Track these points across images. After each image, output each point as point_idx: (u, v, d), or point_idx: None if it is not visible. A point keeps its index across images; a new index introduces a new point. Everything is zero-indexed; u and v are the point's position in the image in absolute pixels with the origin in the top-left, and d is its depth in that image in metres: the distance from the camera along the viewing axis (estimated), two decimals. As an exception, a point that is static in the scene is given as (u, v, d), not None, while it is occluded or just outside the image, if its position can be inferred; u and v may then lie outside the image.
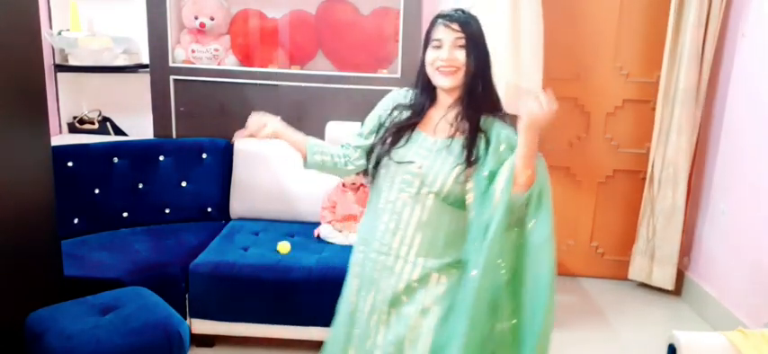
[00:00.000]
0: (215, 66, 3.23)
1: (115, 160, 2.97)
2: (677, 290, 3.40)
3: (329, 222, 2.84)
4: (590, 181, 3.50)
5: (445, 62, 1.54)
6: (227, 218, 3.13)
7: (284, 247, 2.65)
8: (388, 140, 1.61)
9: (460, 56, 1.54)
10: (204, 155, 3.12)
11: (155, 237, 2.85)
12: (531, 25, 3.04)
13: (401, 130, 1.62)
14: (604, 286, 3.52)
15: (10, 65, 1.99)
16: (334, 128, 3.11)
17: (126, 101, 3.41)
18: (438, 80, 1.57)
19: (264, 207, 3.06)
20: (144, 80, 3.24)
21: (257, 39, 3.33)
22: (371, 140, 1.69)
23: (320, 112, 3.17)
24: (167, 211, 3.07)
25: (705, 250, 3.24)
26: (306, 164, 1.73)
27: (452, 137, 1.56)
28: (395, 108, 1.68)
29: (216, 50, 3.25)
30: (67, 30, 3.21)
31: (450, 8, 1.60)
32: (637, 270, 3.44)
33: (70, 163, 2.82)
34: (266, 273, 2.51)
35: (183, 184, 3.09)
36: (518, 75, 2.82)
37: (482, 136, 1.55)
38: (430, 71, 1.58)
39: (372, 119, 1.71)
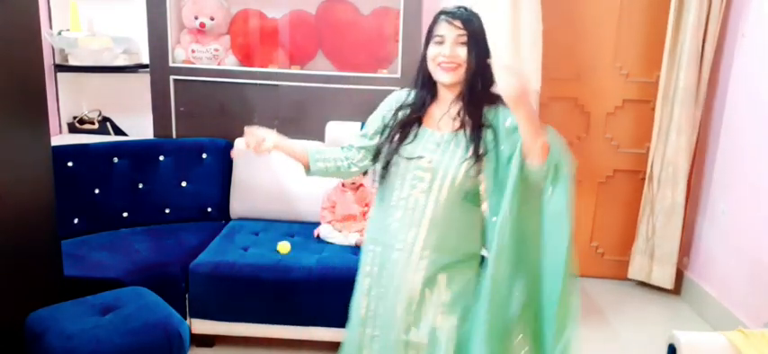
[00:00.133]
0: (215, 66, 3.23)
1: (115, 160, 2.97)
2: (677, 290, 3.40)
3: (329, 222, 2.84)
4: (590, 181, 3.51)
5: (447, 58, 1.56)
6: (227, 218, 3.13)
7: (284, 247, 2.65)
8: (396, 138, 1.63)
9: (462, 52, 1.55)
10: (204, 155, 3.12)
11: (155, 237, 2.85)
12: (531, 25, 3.04)
13: (406, 126, 1.64)
14: (604, 285, 3.52)
15: (10, 65, 1.99)
16: (334, 128, 3.11)
17: (126, 101, 3.41)
18: (439, 75, 1.59)
19: (264, 207, 3.06)
20: (144, 80, 3.24)
21: (257, 39, 3.33)
22: (376, 141, 1.71)
23: (320, 112, 3.17)
24: (167, 211, 3.07)
25: (705, 249, 3.24)
26: (308, 173, 1.75)
27: (457, 131, 1.58)
28: (399, 108, 1.70)
29: (216, 50, 3.25)
30: (67, 30, 3.21)
31: (454, 5, 1.61)
32: (636, 269, 3.44)
33: (70, 163, 2.82)
34: (266, 273, 2.51)
35: (183, 184, 3.09)
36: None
37: (488, 128, 1.56)
38: (431, 66, 1.60)
39: (376, 120, 1.72)
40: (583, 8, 3.30)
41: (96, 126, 3.40)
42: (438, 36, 1.58)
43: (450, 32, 1.56)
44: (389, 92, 3.10)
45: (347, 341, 1.81)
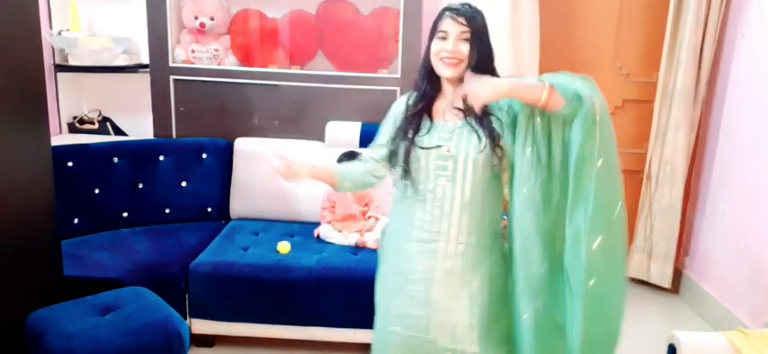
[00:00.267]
0: (215, 66, 3.23)
1: (115, 160, 2.97)
2: (676, 289, 3.40)
3: (329, 222, 2.84)
4: (590, 181, 3.50)
5: (450, 54, 1.59)
6: (227, 218, 3.13)
7: (284, 247, 2.65)
8: (410, 131, 1.65)
9: (464, 48, 1.59)
10: (204, 155, 3.12)
11: (155, 237, 2.85)
12: (530, 26, 3.05)
13: (416, 117, 1.66)
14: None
15: (10, 65, 1.99)
16: (334, 128, 3.11)
17: (126, 101, 3.41)
18: (441, 70, 1.62)
19: (264, 207, 3.06)
20: (144, 80, 3.24)
21: (257, 39, 3.33)
22: (393, 146, 1.73)
23: (320, 112, 3.17)
24: (167, 211, 3.07)
25: (704, 249, 3.24)
26: (336, 190, 1.82)
27: (464, 118, 1.61)
28: (407, 109, 1.72)
29: (216, 50, 3.24)
30: (67, 30, 3.21)
31: (458, 2, 1.64)
32: (634, 267, 3.45)
33: (70, 163, 2.82)
34: (266, 273, 2.51)
35: (183, 184, 3.09)
36: (517, 74, 2.83)
37: (490, 116, 1.61)
38: (434, 61, 1.63)
39: (388, 127, 1.75)
40: (583, 8, 3.30)
41: (96, 126, 3.40)
42: (442, 31, 1.61)
43: (454, 28, 1.59)
44: (389, 92, 3.15)
45: (376, 341, 1.81)
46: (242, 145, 3.12)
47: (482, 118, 1.59)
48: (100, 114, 3.42)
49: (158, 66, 3.16)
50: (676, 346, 1.90)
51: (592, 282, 1.49)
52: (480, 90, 1.48)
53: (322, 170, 1.76)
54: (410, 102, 1.71)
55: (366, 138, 3.05)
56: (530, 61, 3.06)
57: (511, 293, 1.65)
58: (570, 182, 1.51)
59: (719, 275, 3.08)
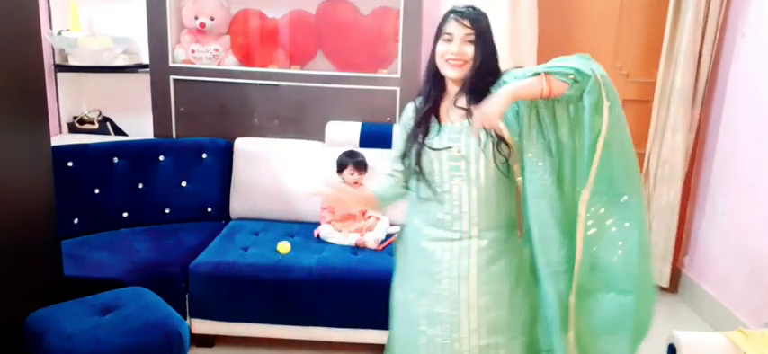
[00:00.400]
0: (215, 66, 3.23)
1: (115, 160, 2.97)
2: (675, 289, 3.40)
3: (329, 222, 2.84)
4: (590, 182, 3.50)
5: (454, 55, 1.62)
6: (227, 218, 3.13)
7: (284, 247, 2.65)
8: (420, 133, 1.68)
9: (469, 50, 1.62)
10: (204, 155, 3.12)
11: (155, 237, 2.85)
12: (529, 26, 3.05)
13: (424, 119, 1.69)
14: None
15: (10, 65, 1.99)
16: (334, 128, 3.11)
17: (126, 101, 3.41)
18: (446, 71, 1.66)
19: (264, 207, 3.06)
20: (144, 80, 3.24)
21: (257, 39, 3.33)
22: (405, 148, 1.76)
23: (320, 112, 3.17)
24: (167, 211, 3.07)
25: (704, 249, 3.24)
26: (379, 209, 1.93)
27: (470, 118, 1.63)
28: (415, 115, 1.75)
29: (216, 50, 3.24)
30: (67, 30, 3.20)
31: (463, 5, 1.67)
32: (634, 267, 3.45)
33: (70, 163, 2.82)
34: (266, 273, 2.51)
35: (183, 184, 3.09)
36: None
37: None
38: (439, 62, 1.66)
39: (401, 137, 1.78)
40: (582, 8, 3.30)
41: (96, 126, 3.40)
42: (447, 34, 1.64)
43: (459, 31, 1.62)
44: (389, 92, 3.15)
45: (396, 343, 1.81)
46: (242, 145, 3.12)
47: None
48: (100, 114, 3.42)
49: (158, 66, 3.16)
50: (676, 346, 1.91)
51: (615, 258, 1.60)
52: (489, 109, 1.51)
53: (365, 196, 1.81)
54: (418, 105, 1.74)
55: (366, 138, 3.06)
56: (528, 62, 3.06)
57: (530, 279, 1.70)
58: (585, 161, 1.57)
59: (719, 275, 3.08)
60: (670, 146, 3.20)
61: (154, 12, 3.10)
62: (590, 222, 1.61)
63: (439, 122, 1.69)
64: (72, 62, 3.25)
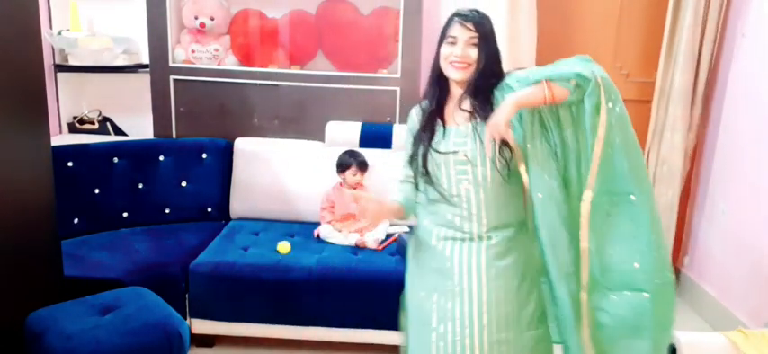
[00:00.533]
0: (215, 66, 3.23)
1: (115, 160, 2.97)
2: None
3: (329, 222, 2.84)
4: (590, 182, 3.50)
5: (458, 58, 1.65)
6: (227, 218, 3.13)
7: (284, 247, 2.65)
8: (426, 137, 1.71)
9: (473, 53, 1.65)
10: (204, 155, 3.12)
11: (155, 237, 2.85)
12: (528, 27, 3.05)
13: (430, 122, 1.72)
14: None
15: (10, 65, 1.99)
16: (334, 128, 3.11)
17: (126, 101, 3.41)
18: (451, 73, 1.68)
19: (264, 207, 3.06)
20: (144, 80, 3.24)
21: (257, 39, 3.33)
22: (412, 151, 1.78)
23: (320, 112, 3.17)
24: (167, 211, 3.07)
25: (704, 248, 3.24)
26: (405, 218, 1.90)
27: (474, 121, 1.66)
28: (422, 118, 1.77)
29: (216, 50, 3.24)
30: (67, 30, 3.20)
31: (467, 8, 1.70)
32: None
33: (70, 163, 2.82)
34: (266, 273, 2.51)
35: (183, 184, 3.09)
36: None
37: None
38: (444, 64, 1.69)
39: (408, 142, 1.80)
40: (583, 8, 3.29)
41: (96, 126, 3.40)
42: (451, 37, 1.67)
43: (463, 34, 1.65)
44: (389, 92, 3.16)
45: (412, 342, 1.82)
46: (242, 145, 3.12)
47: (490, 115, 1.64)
48: (100, 114, 3.42)
49: (158, 66, 3.16)
50: (677, 346, 1.91)
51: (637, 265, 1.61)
52: (496, 119, 1.54)
53: (392, 206, 1.81)
54: (423, 108, 1.77)
55: (366, 138, 3.06)
56: (527, 63, 3.06)
57: (536, 274, 1.73)
58: (590, 162, 1.59)
59: (719, 275, 3.08)
60: (669, 146, 3.20)
61: (154, 12, 3.10)
62: (598, 222, 1.62)
63: (443, 125, 1.71)
64: (72, 62, 3.25)
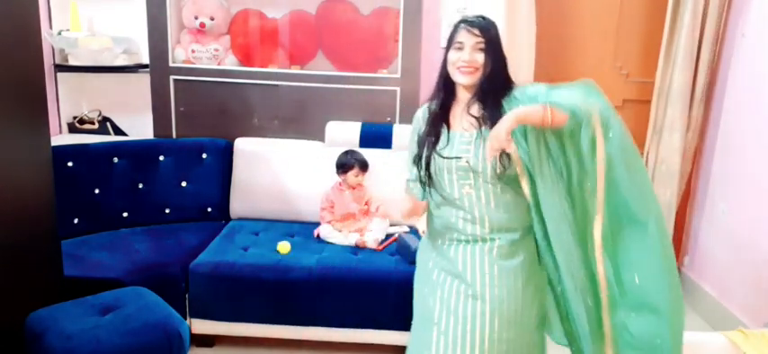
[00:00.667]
0: (215, 66, 3.23)
1: (115, 160, 2.97)
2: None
3: (329, 222, 2.84)
4: (590, 181, 3.50)
5: (465, 63, 1.69)
6: (227, 218, 3.13)
7: (284, 247, 2.65)
8: (432, 141, 1.74)
9: (480, 58, 1.68)
10: (204, 155, 3.12)
11: (155, 237, 2.85)
12: (527, 27, 3.05)
13: (435, 126, 1.74)
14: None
15: (10, 65, 1.99)
16: (334, 128, 3.11)
17: (126, 101, 3.41)
18: (458, 78, 1.71)
19: (264, 207, 3.06)
20: (144, 80, 3.24)
21: (257, 39, 3.33)
22: (417, 151, 1.80)
23: (320, 112, 3.17)
24: (167, 211, 3.07)
25: (704, 249, 3.24)
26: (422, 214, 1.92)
27: (480, 127, 1.69)
28: (425, 121, 1.80)
29: (216, 50, 3.24)
30: (67, 30, 3.20)
31: (473, 15, 1.75)
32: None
33: (70, 163, 2.82)
34: (266, 273, 2.51)
35: (183, 184, 3.09)
36: (512, 73, 2.84)
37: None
38: (451, 70, 1.73)
39: (413, 143, 1.82)
40: (583, 8, 3.29)
41: (96, 126, 3.40)
42: (458, 43, 1.70)
43: (469, 39, 1.68)
44: (389, 92, 3.16)
45: (414, 338, 1.83)
46: (242, 145, 3.12)
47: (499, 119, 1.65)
48: (100, 114, 3.42)
49: (158, 66, 3.16)
50: (676, 346, 1.90)
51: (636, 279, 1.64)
52: (498, 131, 1.55)
53: (423, 203, 1.84)
54: (432, 108, 1.79)
55: (366, 138, 3.06)
56: (526, 62, 3.06)
57: (540, 279, 1.76)
58: (593, 183, 1.62)
59: (719, 275, 3.08)
60: (668, 146, 3.20)
61: (154, 12, 3.10)
62: (610, 246, 1.66)
63: (448, 129, 1.74)
64: (72, 62, 3.24)
